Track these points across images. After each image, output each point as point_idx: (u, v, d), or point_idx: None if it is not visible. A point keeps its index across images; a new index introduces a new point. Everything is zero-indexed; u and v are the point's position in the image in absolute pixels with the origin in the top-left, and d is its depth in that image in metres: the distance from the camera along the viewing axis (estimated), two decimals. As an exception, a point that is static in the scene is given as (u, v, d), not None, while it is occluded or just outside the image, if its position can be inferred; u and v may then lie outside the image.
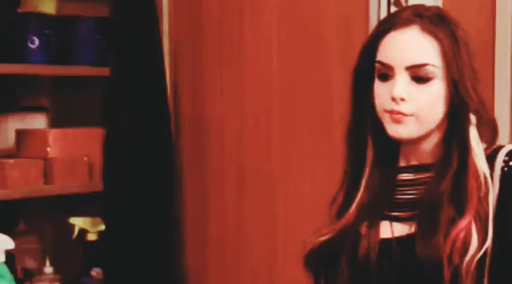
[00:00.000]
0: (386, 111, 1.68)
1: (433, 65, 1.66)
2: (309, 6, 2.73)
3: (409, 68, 1.66)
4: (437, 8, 1.76)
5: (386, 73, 1.68)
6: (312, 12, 2.73)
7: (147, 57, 2.97)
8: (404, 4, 2.47)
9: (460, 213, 1.64)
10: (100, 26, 3.17)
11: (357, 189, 1.77)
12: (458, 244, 1.60)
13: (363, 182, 1.77)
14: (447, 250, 1.60)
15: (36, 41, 3.03)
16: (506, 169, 1.67)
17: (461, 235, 1.61)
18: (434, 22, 1.67)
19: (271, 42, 2.83)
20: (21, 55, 3.01)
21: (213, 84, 2.99)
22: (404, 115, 1.66)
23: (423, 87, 1.66)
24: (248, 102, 2.90)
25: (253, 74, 2.88)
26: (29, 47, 3.01)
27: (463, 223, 1.62)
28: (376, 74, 1.70)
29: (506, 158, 1.68)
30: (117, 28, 2.96)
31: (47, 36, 3.06)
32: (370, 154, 1.76)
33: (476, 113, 1.68)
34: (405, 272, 1.66)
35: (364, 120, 1.75)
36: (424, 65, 1.66)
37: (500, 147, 1.71)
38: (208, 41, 2.99)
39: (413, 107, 1.66)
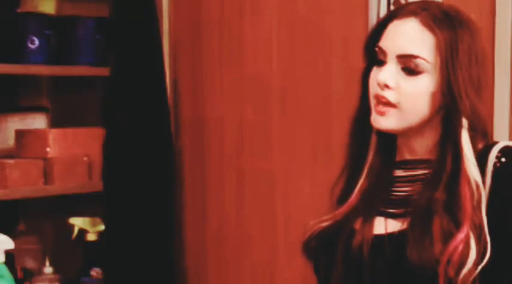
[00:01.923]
0: (374, 96, 1.70)
1: (424, 59, 1.66)
2: (309, 7, 2.73)
3: (400, 57, 1.67)
4: (452, 8, 1.73)
5: (382, 60, 1.69)
6: (311, 13, 2.73)
7: (147, 57, 2.97)
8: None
9: (454, 220, 1.63)
10: (100, 26, 3.17)
11: (358, 177, 1.78)
12: (456, 257, 1.60)
13: (365, 170, 1.77)
14: (444, 261, 1.60)
15: (36, 41, 3.03)
16: (498, 165, 1.67)
17: (459, 248, 1.61)
18: (438, 18, 1.67)
19: (271, 42, 2.83)
20: (21, 55, 3.01)
21: (213, 84, 2.99)
22: (388, 102, 1.67)
23: (411, 79, 1.67)
24: (248, 102, 2.89)
25: (253, 74, 2.88)
26: (29, 47, 3.02)
27: (459, 237, 1.61)
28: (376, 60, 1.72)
29: (499, 154, 1.67)
30: (117, 28, 2.96)
31: (46, 36, 3.06)
32: (373, 144, 1.77)
33: (468, 119, 1.67)
34: (396, 269, 1.66)
35: (369, 110, 1.75)
36: (415, 56, 1.66)
37: (494, 143, 1.71)
38: (208, 41, 2.99)
39: (397, 96, 1.67)
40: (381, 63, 1.70)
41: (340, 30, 2.65)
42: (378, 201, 1.74)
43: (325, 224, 1.78)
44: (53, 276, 3.07)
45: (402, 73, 1.67)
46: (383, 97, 1.67)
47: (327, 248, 1.75)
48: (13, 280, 2.06)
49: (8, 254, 2.08)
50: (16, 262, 2.96)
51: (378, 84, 1.68)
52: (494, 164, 1.67)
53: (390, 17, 1.72)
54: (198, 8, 3.02)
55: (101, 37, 3.17)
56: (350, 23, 2.62)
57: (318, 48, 2.71)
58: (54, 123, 3.32)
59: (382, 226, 1.71)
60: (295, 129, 2.78)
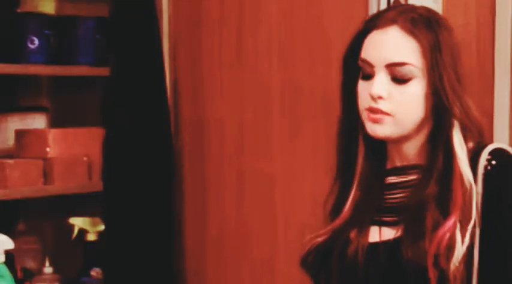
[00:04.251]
0: (365, 109, 1.70)
1: (413, 65, 1.66)
2: (309, 7, 2.73)
3: (388, 66, 1.67)
4: (425, 9, 1.75)
5: (369, 73, 1.69)
6: (311, 13, 2.73)
7: (147, 57, 2.97)
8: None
9: (446, 215, 1.64)
10: (100, 26, 3.17)
11: (350, 188, 1.78)
12: (443, 246, 1.61)
13: (355, 181, 1.78)
14: (432, 252, 1.60)
15: (36, 41, 3.03)
16: (489, 167, 1.67)
17: (446, 236, 1.61)
18: (417, 23, 1.67)
19: (271, 43, 2.83)
20: (21, 55, 3.01)
21: (213, 84, 2.99)
22: (382, 112, 1.67)
23: (402, 88, 1.67)
24: (248, 103, 2.89)
25: (253, 74, 2.88)
26: (29, 47, 3.01)
27: (447, 225, 1.62)
28: (360, 73, 1.71)
29: (489, 157, 1.68)
30: (117, 28, 2.96)
31: (46, 36, 3.06)
32: (361, 153, 1.77)
33: (459, 119, 1.67)
34: (391, 276, 1.66)
35: (354, 120, 1.75)
36: (403, 63, 1.66)
37: (484, 146, 1.71)
38: (208, 41, 2.99)
39: (391, 106, 1.67)
40: (367, 76, 1.70)
41: (340, 30, 2.65)
42: (371, 210, 1.75)
43: (320, 239, 1.79)
44: (53, 276, 3.07)
45: (392, 83, 1.67)
46: (377, 109, 1.68)
47: (324, 262, 1.76)
48: (13, 280, 2.06)
49: (8, 254, 2.08)
50: (16, 262, 2.96)
51: (371, 97, 1.68)
52: (485, 167, 1.67)
53: (368, 28, 1.72)
54: (198, 8, 3.02)
55: (101, 37, 3.17)
56: (350, 22, 2.61)
57: (318, 48, 2.71)
58: (54, 123, 3.32)
59: (377, 234, 1.72)
60: (295, 130, 2.78)
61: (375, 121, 1.69)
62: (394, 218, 1.71)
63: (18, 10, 3.14)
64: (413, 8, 1.72)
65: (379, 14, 1.74)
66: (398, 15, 1.69)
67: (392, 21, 1.68)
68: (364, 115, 1.71)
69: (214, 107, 2.99)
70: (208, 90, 3.00)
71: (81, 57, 3.14)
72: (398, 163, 1.75)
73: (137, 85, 2.95)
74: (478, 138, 1.71)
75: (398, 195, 1.73)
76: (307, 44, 2.74)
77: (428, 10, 1.74)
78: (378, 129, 1.69)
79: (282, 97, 2.81)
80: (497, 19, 2.32)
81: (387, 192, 1.74)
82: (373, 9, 2.53)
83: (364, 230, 1.72)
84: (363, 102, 1.70)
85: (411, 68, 1.66)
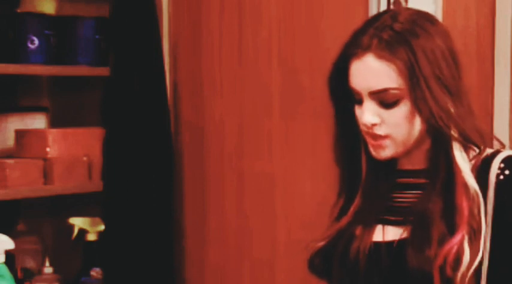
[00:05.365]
0: (365, 134, 1.71)
1: (395, 88, 1.64)
2: (309, 7, 2.73)
3: (372, 94, 1.67)
4: (406, 15, 1.69)
5: (360, 99, 1.69)
6: (311, 13, 2.73)
7: (147, 57, 2.97)
8: (404, 4, 2.47)
9: (451, 226, 1.63)
10: (100, 26, 3.17)
11: (356, 193, 1.78)
12: (450, 258, 1.60)
13: (360, 187, 1.78)
14: (439, 263, 1.60)
15: (36, 41, 3.03)
16: (501, 177, 1.65)
17: (454, 249, 1.60)
18: (390, 43, 1.64)
19: (271, 43, 2.83)
20: (21, 55, 3.01)
21: (213, 85, 2.99)
22: (380, 137, 1.68)
23: (392, 111, 1.66)
24: (248, 103, 2.89)
25: (253, 74, 2.88)
26: (29, 47, 3.01)
27: (455, 239, 1.61)
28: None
29: (502, 165, 1.66)
30: (117, 28, 2.96)
31: (46, 36, 3.06)
32: (364, 161, 1.77)
33: (455, 127, 1.65)
34: (393, 278, 1.66)
35: (354, 137, 1.75)
36: (384, 90, 1.65)
37: (495, 153, 1.69)
38: (208, 41, 2.99)
39: (387, 129, 1.67)
40: (360, 101, 1.70)
41: (340, 30, 2.65)
42: (378, 209, 1.74)
43: (322, 243, 1.79)
44: (53, 276, 3.07)
45: (382, 108, 1.67)
46: (374, 134, 1.68)
47: (331, 261, 1.75)
48: (13, 280, 2.06)
49: (8, 254, 2.09)
50: (16, 262, 2.97)
51: (365, 126, 1.68)
52: (497, 176, 1.65)
53: (347, 56, 1.70)
54: (198, 8, 3.02)
55: (100, 37, 3.17)
56: (350, 23, 2.61)
57: (318, 48, 2.71)
58: (54, 123, 3.32)
59: (380, 233, 1.72)
60: (295, 131, 2.78)
61: (377, 147, 1.69)
62: (400, 219, 1.70)
63: (18, 10, 3.14)
64: (392, 20, 1.67)
65: (356, 37, 1.70)
66: (372, 38, 1.65)
67: (367, 49, 1.65)
68: (367, 139, 1.72)
69: (214, 107, 2.99)
70: (208, 90, 3.00)
71: (81, 57, 3.14)
72: (408, 167, 1.75)
73: (137, 85, 2.95)
74: (480, 142, 1.69)
75: (407, 196, 1.73)
76: (307, 44, 2.74)
77: (410, 14, 1.69)
78: (381, 153, 1.70)
79: (282, 97, 2.81)
80: (497, 20, 2.32)
81: (397, 191, 1.74)
82: (373, 10, 2.53)
83: (369, 228, 1.72)
84: (361, 127, 1.71)
85: (394, 91, 1.65)
